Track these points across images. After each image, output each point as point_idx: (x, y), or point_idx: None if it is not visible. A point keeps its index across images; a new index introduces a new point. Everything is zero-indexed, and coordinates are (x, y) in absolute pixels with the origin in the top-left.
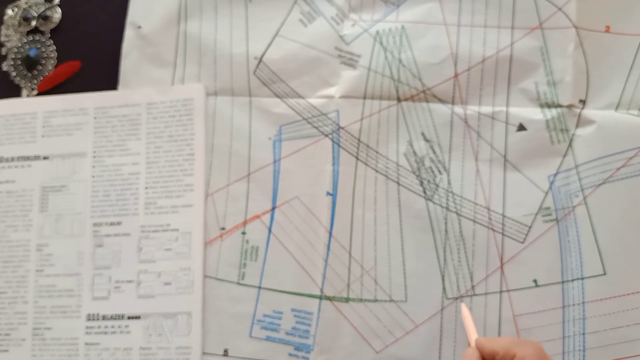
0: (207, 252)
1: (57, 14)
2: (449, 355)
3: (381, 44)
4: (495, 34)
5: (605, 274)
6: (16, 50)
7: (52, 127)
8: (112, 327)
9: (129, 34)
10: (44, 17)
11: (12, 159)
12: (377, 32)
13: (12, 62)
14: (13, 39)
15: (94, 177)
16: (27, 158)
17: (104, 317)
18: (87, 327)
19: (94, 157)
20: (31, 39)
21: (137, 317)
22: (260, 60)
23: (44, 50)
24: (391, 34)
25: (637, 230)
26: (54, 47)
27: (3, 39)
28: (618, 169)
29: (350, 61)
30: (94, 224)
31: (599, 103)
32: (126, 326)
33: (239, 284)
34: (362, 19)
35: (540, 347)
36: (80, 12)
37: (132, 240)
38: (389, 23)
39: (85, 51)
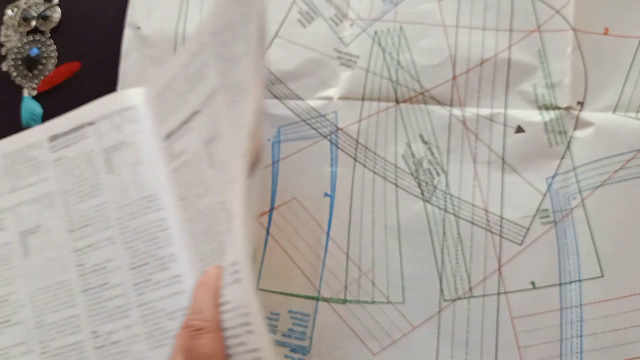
0: None
1: (56, 14)
2: (446, 356)
3: (380, 45)
4: (493, 36)
5: (602, 276)
6: (16, 50)
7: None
8: None
9: (128, 34)
10: (43, 17)
11: (178, 129)
12: (376, 33)
13: (12, 62)
14: (13, 39)
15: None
16: (186, 121)
17: None
18: None
19: None
20: (31, 39)
21: None
22: None
23: (44, 50)
24: (389, 35)
25: (634, 233)
26: (54, 47)
27: (3, 39)
28: (616, 171)
29: (349, 62)
30: None
31: (597, 105)
32: None
33: None
34: (360, 17)
35: None
36: (80, 12)
37: None
38: (387, 23)
39: (86, 51)
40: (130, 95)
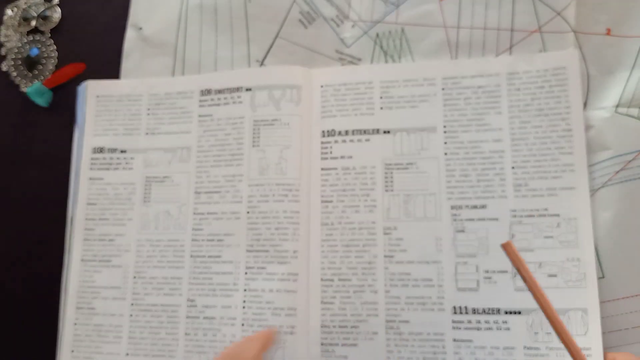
0: None
1: (56, 14)
2: None
3: (381, 47)
4: (494, 36)
5: (603, 277)
6: (16, 50)
7: (391, 98)
8: (487, 322)
9: (130, 35)
10: (43, 17)
11: (347, 133)
12: (377, 35)
13: (12, 62)
14: (13, 39)
15: (446, 154)
16: (364, 132)
17: (475, 311)
18: (454, 322)
19: (445, 132)
20: (31, 38)
21: (517, 312)
22: (262, 63)
23: (44, 50)
24: (391, 37)
25: (635, 234)
26: (54, 47)
27: (3, 39)
28: (617, 172)
29: (350, 64)
30: (452, 207)
31: (598, 106)
32: (504, 322)
33: None
34: (361, 18)
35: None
36: (80, 12)
37: (500, 225)
38: (388, 25)
39: (86, 51)
40: (297, 73)
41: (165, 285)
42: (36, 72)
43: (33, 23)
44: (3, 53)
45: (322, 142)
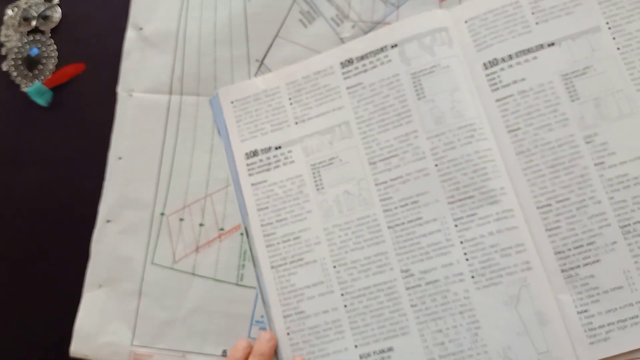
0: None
1: (57, 14)
2: None
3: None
4: None
5: None
6: (16, 50)
7: (544, 11)
8: None
9: (130, 34)
10: (43, 17)
11: (511, 57)
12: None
13: (13, 62)
14: (13, 39)
15: (619, 49)
16: (528, 51)
17: None
18: None
19: (610, 28)
20: (31, 38)
21: None
22: (262, 62)
23: (44, 49)
24: None
25: None
26: (55, 47)
27: (3, 39)
28: None
29: None
30: None
31: None
32: None
33: (237, 284)
34: (361, 18)
35: None
36: (81, 12)
37: None
38: (389, 26)
39: (86, 51)
40: (439, 16)
41: (371, 265)
42: (36, 72)
43: (33, 23)
44: (3, 53)
45: (487, 74)
